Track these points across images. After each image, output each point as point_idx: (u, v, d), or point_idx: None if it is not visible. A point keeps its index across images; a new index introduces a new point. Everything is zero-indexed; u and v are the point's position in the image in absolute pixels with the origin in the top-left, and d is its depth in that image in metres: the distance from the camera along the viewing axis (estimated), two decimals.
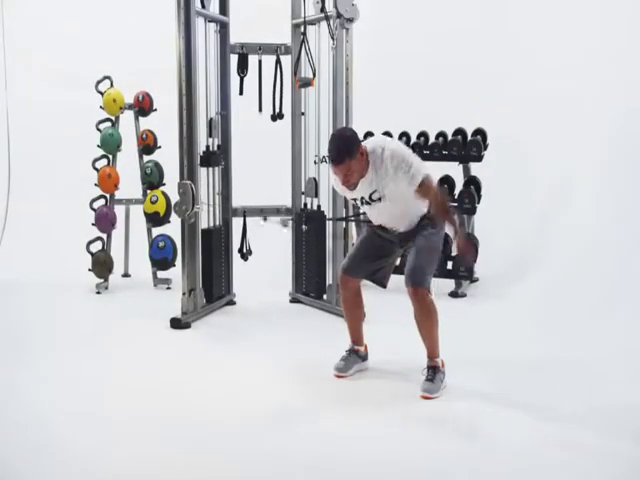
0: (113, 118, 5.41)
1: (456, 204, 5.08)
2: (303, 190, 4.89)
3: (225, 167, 4.85)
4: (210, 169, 4.70)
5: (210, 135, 4.66)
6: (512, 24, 6.04)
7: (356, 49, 4.46)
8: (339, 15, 4.31)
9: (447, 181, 5.26)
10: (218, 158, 4.73)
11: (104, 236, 5.37)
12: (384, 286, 3.50)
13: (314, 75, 4.59)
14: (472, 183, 5.17)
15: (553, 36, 5.85)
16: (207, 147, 4.65)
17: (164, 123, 5.09)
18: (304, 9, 4.66)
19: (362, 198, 3.25)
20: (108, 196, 5.40)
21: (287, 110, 4.82)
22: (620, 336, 4.02)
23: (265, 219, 4.50)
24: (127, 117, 5.53)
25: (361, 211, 3.44)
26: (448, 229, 3.28)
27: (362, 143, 3.17)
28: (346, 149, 3.07)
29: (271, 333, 4.23)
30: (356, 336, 3.54)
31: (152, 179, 5.41)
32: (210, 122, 4.66)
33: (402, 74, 6.20)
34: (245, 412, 3.06)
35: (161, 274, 5.40)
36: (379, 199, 3.20)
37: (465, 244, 3.32)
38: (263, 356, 3.78)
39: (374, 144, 3.16)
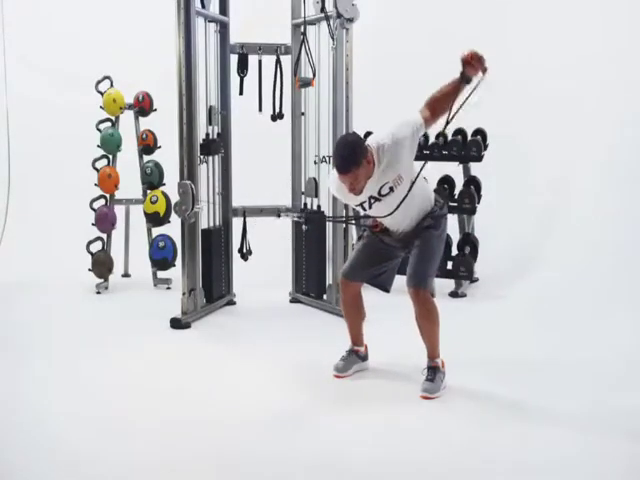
0: (113, 118, 5.41)
1: (456, 204, 5.09)
2: (303, 190, 4.89)
3: (225, 167, 4.84)
4: (210, 162, 4.65)
5: (210, 123, 4.64)
6: (512, 24, 6.04)
7: (356, 49, 4.45)
8: (339, 15, 4.31)
9: (447, 181, 5.27)
10: (218, 146, 4.69)
11: (104, 236, 5.37)
12: (387, 291, 3.48)
13: (314, 75, 4.59)
14: (472, 183, 5.17)
15: (553, 36, 5.85)
16: (207, 135, 4.62)
17: (164, 123, 5.09)
18: (304, 9, 4.65)
19: (370, 197, 3.17)
20: (108, 196, 5.40)
21: (287, 110, 4.82)
22: (620, 336, 4.02)
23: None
24: (127, 117, 5.52)
25: (363, 213, 3.40)
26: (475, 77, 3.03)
27: (366, 144, 3.10)
28: (352, 159, 3.01)
29: (271, 333, 4.23)
30: (356, 337, 3.54)
31: (152, 179, 5.40)
32: (210, 110, 4.63)
33: (402, 74, 6.19)
34: (245, 412, 3.06)
35: (161, 274, 5.40)
36: (390, 190, 3.12)
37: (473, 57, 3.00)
38: (263, 356, 3.78)
39: (377, 142, 3.10)
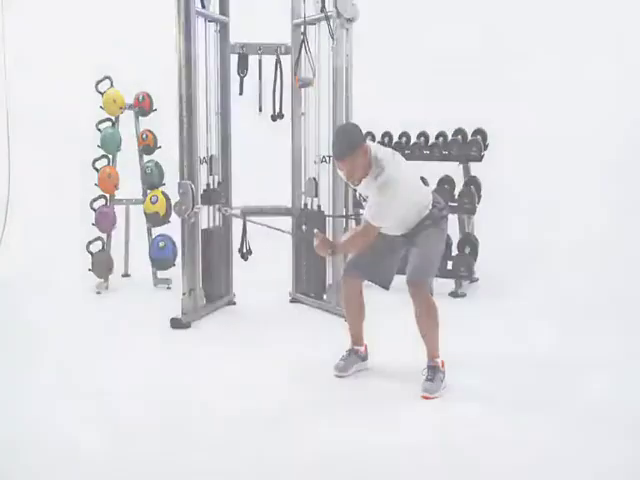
0: (113, 118, 5.41)
1: (456, 204, 5.09)
2: (303, 190, 4.89)
3: (225, 167, 4.85)
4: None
5: (211, 173, 4.66)
6: (512, 24, 6.05)
7: (356, 49, 4.46)
8: (339, 15, 4.32)
9: (447, 181, 5.27)
10: (219, 196, 4.72)
11: (104, 236, 5.37)
12: (387, 288, 3.49)
13: (314, 75, 4.59)
14: (472, 183, 5.17)
15: (554, 37, 5.86)
16: (208, 185, 4.64)
17: (164, 123, 5.09)
18: (304, 9, 4.65)
19: (367, 195, 3.25)
20: (108, 196, 5.40)
21: (287, 110, 4.82)
22: (620, 336, 4.03)
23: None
24: (127, 117, 5.52)
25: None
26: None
27: (369, 144, 3.17)
28: (348, 145, 3.08)
29: (271, 333, 4.23)
30: (356, 336, 3.54)
31: (152, 179, 5.40)
32: (211, 159, 4.65)
33: (402, 74, 6.21)
34: (245, 412, 3.06)
35: (161, 274, 5.40)
36: None
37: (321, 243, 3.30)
38: (263, 356, 3.79)
39: (380, 155, 3.15)
